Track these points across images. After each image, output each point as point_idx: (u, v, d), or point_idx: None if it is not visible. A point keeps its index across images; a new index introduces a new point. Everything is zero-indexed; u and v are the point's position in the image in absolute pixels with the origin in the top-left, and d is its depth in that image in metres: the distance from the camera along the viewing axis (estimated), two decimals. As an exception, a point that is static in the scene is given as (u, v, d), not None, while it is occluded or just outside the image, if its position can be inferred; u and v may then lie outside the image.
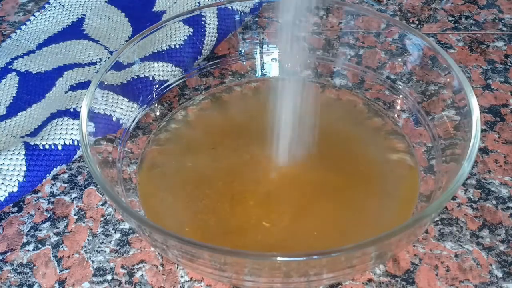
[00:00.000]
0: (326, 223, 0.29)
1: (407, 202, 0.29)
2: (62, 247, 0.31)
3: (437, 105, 0.32)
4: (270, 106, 0.30)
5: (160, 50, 0.36)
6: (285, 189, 0.31)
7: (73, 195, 0.33)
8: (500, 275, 0.29)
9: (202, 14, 0.38)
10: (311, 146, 0.32)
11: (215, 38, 0.39)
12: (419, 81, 0.33)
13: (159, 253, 0.30)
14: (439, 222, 0.31)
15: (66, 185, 0.34)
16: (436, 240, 0.30)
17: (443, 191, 0.27)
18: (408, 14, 0.45)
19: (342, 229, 0.29)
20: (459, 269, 0.29)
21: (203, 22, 0.38)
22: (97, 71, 0.39)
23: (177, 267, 0.29)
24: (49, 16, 0.44)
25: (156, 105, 0.35)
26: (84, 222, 0.32)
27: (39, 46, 0.42)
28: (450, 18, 0.45)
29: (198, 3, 0.43)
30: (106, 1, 0.46)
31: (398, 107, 0.34)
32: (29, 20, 0.44)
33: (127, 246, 0.30)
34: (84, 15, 0.45)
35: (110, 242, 0.31)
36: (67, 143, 0.33)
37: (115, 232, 0.31)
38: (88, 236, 0.31)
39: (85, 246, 0.31)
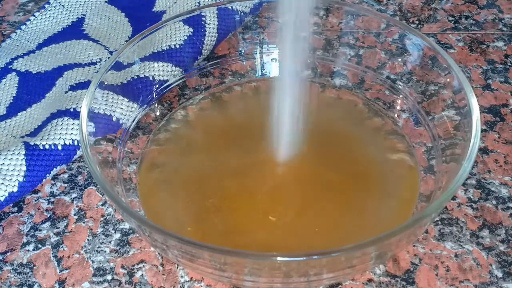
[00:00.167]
0: (325, 224, 0.29)
1: (407, 202, 0.29)
2: (62, 247, 0.31)
3: (437, 105, 0.32)
4: (270, 106, 0.30)
5: (160, 50, 0.36)
6: (284, 189, 0.31)
7: (73, 195, 0.33)
8: (500, 275, 0.29)
9: (202, 14, 0.38)
10: (311, 146, 0.32)
11: (215, 38, 0.39)
12: (419, 81, 0.33)
13: (159, 253, 0.30)
14: (439, 222, 0.31)
15: (66, 185, 0.34)
16: (436, 240, 0.30)
17: (443, 191, 0.27)
18: (408, 14, 0.45)
19: (342, 230, 0.29)
20: (459, 269, 0.29)
21: (203, 22, 0.38)
22: (97, 71, 0.39)
23: (177, 267, 0.29)
24: (49, 16, 0.45)
25: (156, 105, 0.35)
26: (84, 222, 0.32)
27: (39, 46, 0.42)
28: (450, 18, 0.45)
29: (198, 3, 0.43)
30: (106, 1, 0.46)
31: (398, 107, 0.34)
32: (29, 20, 0.44)
33: (127, 246, 0.30)
34: (84, 15, 0.45)
35: (110, 242, 0.31)
36: (67, 143, 0.33)
37: (115, 232, 0.31)
38: (88, 236, 0.31)
39: (85, 246, 0.31)
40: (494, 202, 0.32)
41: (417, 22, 0.44)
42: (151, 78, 0.35)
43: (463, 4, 0.46)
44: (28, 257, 0.30)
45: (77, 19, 0.44)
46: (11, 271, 0.30)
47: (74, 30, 0.43)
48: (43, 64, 0.40)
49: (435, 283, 0.28)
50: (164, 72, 0.36)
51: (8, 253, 0.30)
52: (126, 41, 0.43)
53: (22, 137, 0.35)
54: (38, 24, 0.44)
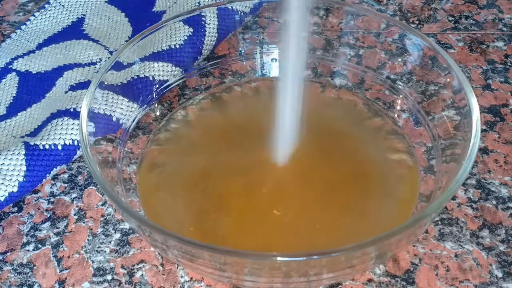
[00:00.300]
0: (325, 224, 0.29)
1: (407, 202, 0.29)
2: (62, 247, 0.31)
3: (437, 105, 0.32)
4: (270, 106, 0.30)
5: (160, 50, 0.36)
6: (284, 189, 0.31)
7: (73, 195, 0.33)
8: (500, 275, 0.29)
9: (202, 14, 0.38)
10: (311, 146, 0.32)
11: (215, 38, 0.39)
12: (419, 81, 0.33)
13: (159, 253, 0.30)
14: (439, 222, 0.31)
15: (66, 185, 0.34)
16: (436, 240, 0.30)
17: (443, 191, 0.27)
18: (408, 14, 0.45)
19: (342, 230, 0.29)
20: (459, 269, 0.29)
21: (203, 22, 0.38)
22: (97, 71, 0.39)
23: (177, 267, 0.29)
24: (49, 16, 0.45)
25: (156, 105, 0.35)
26: (84, 222, 0.32)
27: (39, 46, 0.42)
28: (450, 18, 0.45)
29: (198, 3, 0.43)
30: (106, 1, 0.46)
31: (398, 107, 0.34)
32: (29, 20, 0.44)
33: (127, 246, 0.30)
34: (84, 15, 0.45)
35: (110, 242, 0.31)
36: (67, 143, 0.33)
37: (115, 232, 0.31)
38: (88, 236, 0.31)
39: (85, 246, 0.31)
40: (494, 202, 0.32)
41: (417, 22, 0.44)
42: (151, 78, 0.35)
43: (463, 4, 0.46)
44: (28, 257, 0.30)
45: (77, 19, 0.44)
46: (11, 271, 0.30)
47: (74, 30, 0.43)
48: (43, 64, 0.40)
49: (435, 283, 0.28)
50: (164, 72, 0.36)
51: (8, 253, 0.30)
52: (126, 41, 0.43)
53: (22, 137, 0.35)
54: (38, 24, 0.44)
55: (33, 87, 0.39)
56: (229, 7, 0.38)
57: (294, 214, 0.29)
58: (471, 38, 0.42)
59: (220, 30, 0.39)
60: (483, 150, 0.34)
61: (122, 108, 0.33)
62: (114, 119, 0.32)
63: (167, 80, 0.36)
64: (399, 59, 0.35)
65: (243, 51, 0.39)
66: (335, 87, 0.37)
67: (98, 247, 0.30)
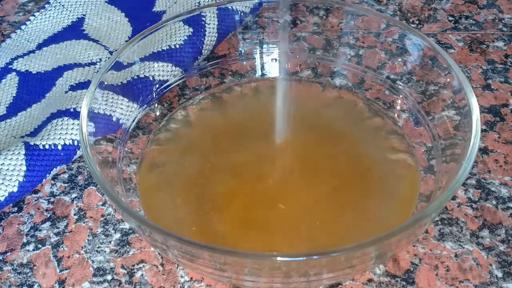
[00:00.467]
0: (325, 223, 0.29)
1: (407, 202, 0.29)
2: (62, 247, 0.31)
3: (437, 105, 0.32)
4: (270, 106, 0.30)
5: (160, 50, 0.36)
6: (284, 189, 0.31)
7: (73, 195, 0.33)
8: (500, 275, 0.29)
9: (202, 14, 0.38)
10: (311, 146, 0.32)
11: (215, 38, 0.39)
12: (419, 81, 0.33)
13: (159, 253, 0.30)
14: (439, 222, 0.31)
15: (66, 185, 0.34)
16: (436, 240, 0.30)
17: (443, 191, 0.27)
18: (408, 14, 0.45)
19: (342, 229, 0.29)
20: (459, 269, 0.29)
21: (203, 22, 0.38)
22: (97, 71, 0.39)
23: (177, 267, 0.29)
24: (49, 16, 0.45)
25: (156, 105, 0.35)
26: (84, 222, 0.32)
27: (39, 46, 0.42)
28: (450, 18, 0.45)
29: (198, 3, 0.43)
30: (106, 1, 0.46)
31: (398, 107, 0.34)
32: (29, 20, 0.44)
33: (127, 246, 0.30)
34: (84, 15, 0.45)
35: (110, 242, 0.31)
36: (67, 143, 0.33)
37: (115, 232, 0.31)
38: (88, 236, 0.31)
39: (85, 246, 0.31)
40: (494, 202, 0.32)
41: (417, 22, 0.44)
42: (151, 78, 0.35)
43: (463, 4, 0.46)
44: (28, 257, 0.30)
45: (77, 19, 0.44)
46: (11, 271, 0.30)
47: (74, 30, 0.43)
48: (43, 64, 0.40)
49: (435, 283, 0.28)
50: (164, 72, 0.36)
51: (8, 253, 0.30)
52: (126, 41, 0.43)
53: (22, 137, 0.35)
54: (38, 24, 0.44)
55: (33, 87, 0.39)
56: (229, 7, 0.38)
57: (294, 214, 0.29)
58: (471, 38, 0.42)
59: (220, 30, 0.39)
60: (483, 150, 0.34)
61: (122, 108, 0.33)
62: (114, 119, 0.32)
63: (167, 80, 0.36)
64: (399, 59, 0.35)
65: (243, 51, 0.39)
66: (335, 87, 0.37)
67: (98, 247, 0.30)
